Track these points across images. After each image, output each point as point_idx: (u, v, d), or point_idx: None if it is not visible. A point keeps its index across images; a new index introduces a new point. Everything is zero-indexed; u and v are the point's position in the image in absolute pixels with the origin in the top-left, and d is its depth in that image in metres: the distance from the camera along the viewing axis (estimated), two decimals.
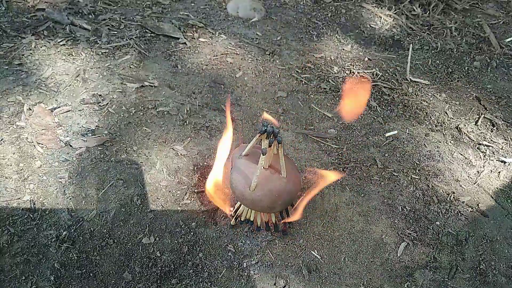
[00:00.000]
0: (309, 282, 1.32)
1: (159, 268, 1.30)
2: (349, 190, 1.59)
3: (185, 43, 2.14)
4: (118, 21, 2.19)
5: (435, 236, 1.47)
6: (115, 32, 2.12)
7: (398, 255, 1.42)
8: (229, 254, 1.34)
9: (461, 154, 1.76)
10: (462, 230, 1.50)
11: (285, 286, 1.29)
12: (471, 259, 1.42)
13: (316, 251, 1.40)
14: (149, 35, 2.14)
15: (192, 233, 1.39)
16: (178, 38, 2.14)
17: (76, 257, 1.27)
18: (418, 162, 1.72)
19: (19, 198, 1.37)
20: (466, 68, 2.26)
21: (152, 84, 1.86)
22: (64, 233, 1.31)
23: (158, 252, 1.34)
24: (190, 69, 1.99)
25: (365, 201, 1.56)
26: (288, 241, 1.41)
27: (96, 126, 1.63)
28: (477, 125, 1.89)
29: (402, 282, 1.35)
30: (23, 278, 1.21)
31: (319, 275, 1.34)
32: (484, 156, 1.76)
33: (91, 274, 1.25)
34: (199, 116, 1.78)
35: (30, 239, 1.28)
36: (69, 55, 1.91)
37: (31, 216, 1.34)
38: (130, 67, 1.91)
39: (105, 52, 1.97)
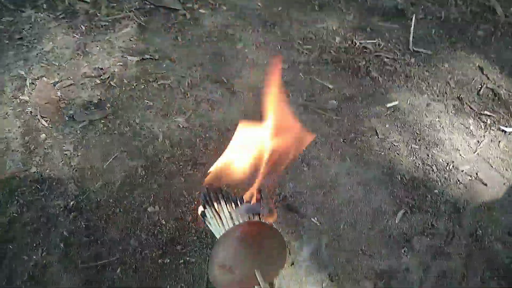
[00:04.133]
0: (309, 247, 1.36)
1: (164, 235, 1.34)
2: (350, 160, 1.61)
3: (185, 14, 2.13)
4: None
5: (433, 204, 1.50)
6: (114, 5, 2.10)
7: (396, 222, 1.46)
8: None
9: (462, 124, 1.77)
10: (460, 198, 1.53)
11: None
12: (468, 226, 1.46)
13: (316, 218, 1.44)
14: (148, 7, 2.13)
15: (195, 202, 1.43)
16: (178, 10, 2.12)
17: (84, 226, 1.31)
18: (418, 132, 1.73)
19: (26, 170, 1.41)
20: (470, 37, 2.24)
21: (152, 57, 1.87)
22: (71, 203, 1.35)
23: (163, 220, 1.38)
24: (190, 41, 1.99)
25: (365, 171, 1.59)
26: (289, 210, 1.44)
27: (99, 99, 1.65)
28: (479, 95, 1.90)
29: (399, 247, 1.39)
30: (34, 245, 1.26)
31: (319, 241, 1.38)
32: (485, 126, 1.77)
33: (98, 241, 1.29)
34: (200, 89, 1.79)
35: (39, 209, 1.33)
36: (69, 28, 1.91)
37: (39, 187, 1.38)
38: (130, 40, 1.92)
39: (104, 25, 1.97)
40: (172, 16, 2.10)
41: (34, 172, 1.41)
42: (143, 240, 1.33)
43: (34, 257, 1.24)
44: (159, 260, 1.30)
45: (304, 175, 1.56)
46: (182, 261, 1.30)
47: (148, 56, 1.85)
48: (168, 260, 1.30)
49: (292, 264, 1.33)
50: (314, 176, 1.55)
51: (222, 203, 1.25)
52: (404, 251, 1.39)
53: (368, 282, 1.31)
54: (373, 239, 1.40)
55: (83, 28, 1.91)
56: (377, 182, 1.55)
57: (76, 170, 1.43)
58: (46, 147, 1.48)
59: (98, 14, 2.00)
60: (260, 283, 1.15)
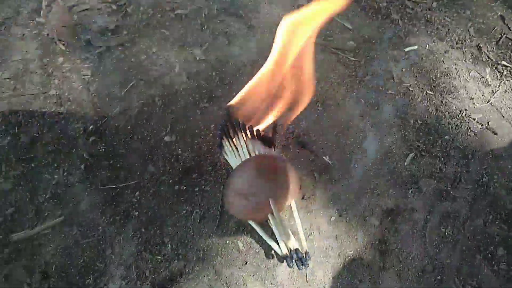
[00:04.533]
0: (320, 183, 1.41)
1: (181, 164, 1.38)
2: (364, 102, 1.62)
3: None
4: None
5: (443, 149, 1.54)
6: None
7: (406, 164, 1.50)
8: None
9: (478, 73, 1.76)
10: (470, 145, 1.56)
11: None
12: (475, 172, 1.50)
13: (328, 157, 1.48)
14: None
15: (211, 135, 1.46)
16: None
17: (103, 149, 1.34)
18: (434, 79, 1.73)
19: (45, 92, 1.42)
20: None
21: None
22: (91, 127, 1.38)
23: (179, 149, 1.41)
24: None
25: (379, 113, 1.60)
26: (302, 147, 1.47)
27: (115, 25, 1.63)
28: (498, 45, 1.87)
29: (407, 188, 1.44)
30: (55, 165, 1.30)
31: (330, 178, 1.43)
32: (501, 76, 1.76)
33: (118, 165, 1.33)
34: (217, 22, 1.76)
35: (59, 131, 1.35)
36: None
37: (58, 110, 1.39)
38: None
39: None
40: None
41: (53, 94, 1.42)
42: (160, 167, 1.37)
43: (56, 176, 1.28)
44: (175, 187, 1.34)
45: (318, 114, 1.57)
46: (197, 189, 1.35)
47: None
48: (184, 187, 1.35)
49: (303, 198, 1.38)
50: (328, 116, 1.57)
51: (239, 134, 1.28)
52: (411, 192, 1.44)
53: (375, 219, 1.37)
54: (382, 179, 1.45)
55: None
56: (390, 125, 1.57)
57: (94, 95, 1.44)
58: (64, 71, 1.48)
59: None
60: (273, 211, 1.20)
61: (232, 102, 1.34)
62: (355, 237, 1.33)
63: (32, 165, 1.28)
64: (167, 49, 1.62)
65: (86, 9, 1.65)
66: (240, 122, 1.29)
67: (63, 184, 1.27)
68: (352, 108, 1.61)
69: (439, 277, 1.28)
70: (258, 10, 1.84)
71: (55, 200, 1.24)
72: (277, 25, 1.77)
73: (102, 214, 1.25)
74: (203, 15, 1.75)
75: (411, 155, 1.51)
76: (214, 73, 1.61)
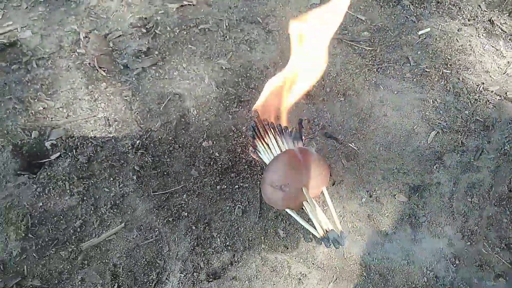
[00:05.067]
0: (348, 169, 1.53)
1: (219, 165, 1.53)
2: (383, 88, 1.72)
3: None
4: None
5: (463, 124, 1.61)
6: None
7: (428, 142, 1.59)
8: None
9: (493, 46, 1.82)
10: (490, 116, 1.63)
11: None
12: (496, 142, 1.57)
13: (353, 143, 1.59)
14: None
15: (243, 136, 1.60)
16: None
17: (151, 160, 1.51)
18: (449, 57, 1.80)
19: (94, 116, 1.60)
20: None
21: (190, 3, 1.97)
22: (137, 142, 1.55)
23: (216, 152, 1.56)
24: None
25: (398, 97, 1.70)
26: (328, 137, 1.59)
27: (147, 48, 1.80)
28: (510, 16, 1.91)
29: (432, 164, 1.53)
30: (111, 179, 1.48)
31: (357, 163, 1.54)
32: None
33: (165, 173, 1.50)
34: (238, 31, 1.90)
35: (111, 149, 1.53)
36: None
37: (107, 130, 1.57)
38: None
39: None
40: None
41: (101, 117, 1.60)
42: (201, 170, 1.52)
43: (113, 189, 1.46)
44: (217, 186, 1.49)
45: (340, 105, 1.68)
46: (237, 186, 1.50)
47: (186, 2, 1.95)
48: (225, 186, 1.50)
49: (334, 184, 1.50)
50: (350, 105, 1.68)
51: (269, 133, 1.42)
52: (436, 167, 1.53)
53: (403, 195, 1.47)
54: (407, 158, 1.55)
55: None
56: (410, 107, 1.67)
57: (137, 113, 1.62)
58: (108, 94, 1.66)
59: None
60: (307, 198, 1.33)
61: (258, 104, 1.48)
62: (386, 214, 1.43)
63: (92, 181, 1.46)
64: (196, 63, 1.77)
65: (120, 36, 1.83)
66: (269, 122, 1.42)
67: (120, 195, 1.45)
68: (372, 95, 1.71)
69: (468, 243, 1.37)
70: (274, 14, 1.96)
71: (115, 210, 1.42)
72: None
73: (157, 217, 1.41)
74: (224, 26, 1.89)
75: (433, 133, 1.60)
76: (240, 79, 1.75)
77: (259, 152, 1.45)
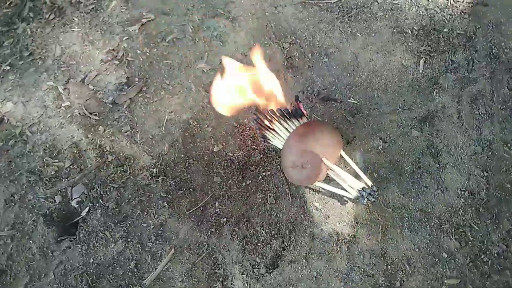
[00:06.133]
0: (356, 123, 1.57)
1: (237, 164, 1.57)
2: (360, 35, 1.74)
3: None
4: None
5: (446, 42, 1.65)
6: None
7: (421, 71, 1.62)
8: None
9: None
10: (469, 26, 1.66)
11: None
12: (483, 48, 1.61)
13: (352, 98, 1.63)
14: None
15: (248, 128, 1.64)
16: None
17: (173, 183, 1.56)
18: None
19: (104, 161, 1.63)
20: None
21: (149, 19, 1.96)
22: (154, 171, 1.59)
23: (229, 153, 1.60)
24: None
25: (377, 38, 1.72)
26: (326, 101, 1.63)
27: (126, 77, 1.81)
28: None
29: (431, 91, 1.57)
30: (145, 213, 1.52)
31: (362, 115, 1.58)
32: None
33: (190, 189, 1.55)
34: (204, 29, 1.90)
35: (133, 186, 1.57)
36: (64, 26, 2.00)
37: (122, 169, 1.61)
38: (122, 11, 1.99)
39: (92, 8, 2.04)
40: None
41: (111, 159, 1.63)
42: (222, 174, 1.57)
43: (150, 221, 1.51)
44: (243, 184, 1.54)
45: (326, 65, 1.71)
46: (260, 177, 1.55)
47: (145, 20, 1.95)
48: (249, 181, 1.55)
49: (348, 143, 1.55)
50: (336, 62, 1.71)
51: (272, 120, 1.46)
52: (436, 92, 1.58)
53: (415, 130, 1.52)
54: (406, 94, 1.59)
55: (76, 19, 2.00)
56: (391, 44, 1.69)
57: (143, 143, 1.65)
58: (108, 136, 1.68)
59: (81, 0, 2.07)
60: (330, 167, 1.38)
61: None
62: (406, 153, 1.49)
63: (128, 222, 1.51)
64: (177, 75, 1.79)
65: (96, 75, 1.84)
66: (268, 110, 1.46)
67: (158, 225, 1.50)
68: (352, 45, 1.73)
69: (490, 153, 1.43)
70: (232, 1, 1.96)
71: (160, 240, 1.48)
72: (254, 6, 1.89)
73: (200, 233, 1.47)
74: (190, 30, 1.89)
75: (421, 61, 1.64)
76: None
77: (270, 140, 1.49)
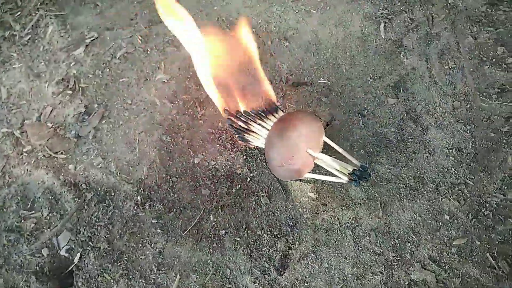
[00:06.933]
0: (331, 103, 1.54)
1: (221, 171, 1.52)
2: (315, 11, 1.69)
3: None
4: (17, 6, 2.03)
5: (402, 2, 1.63)
6: (19, 12, 1.98)
7: (383, 36, 1.60)
8: None
9: None
10: None
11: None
12: (439, 0, 1.59)
13: (322, 78, 1.59)
14: None
15: (225, 131, 1.58)
16: None
17: (161, 206, 1.49)
18: None
19: (84, 201, 1.55)
20: None
21: (92, 37, 1.84)
22: (138, 198, 1.51)
23: (212, 161, 1.54)
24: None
25: (333, 11, 1.67)
26: (297, 86, 1.58)
27: (84, 105, 1.70)
28: None
29: (397, 55, 1.55)
30: (140, 245, 1.46)
31: (335, 93, 1.55)
32: None
33: (181, 208, 1.49)
34: (154, 37, 1.80)
35: (120, 219, 1.50)
36: (4, 63, 1.85)
37: (105, 204, 1.53)
38: (61, 36, 1.86)
39: (29, 38, 1.89)
40: None
41: (91, 196, 1.54)
42: (209, 185, 1.51)
43: (147, 252, 1.45)
44: (233, 190, 1.50)
45: (288, 49, 1.66)
46: (249, 179, 1.50)
47: (88, 40, 1.82)
48: (239, 186, 1.50)
49: (328, 125, 1.52)
50: (297, 44, 1.65)
51: (248, 122, 1.40)
52: (403, 55, 1.56)
53: (391, 97, 1.51)
54: (374, 62, 1.56)
55: (15, 54, 1.85)
56: (348, 14, 1.65)
57: (119, 172, 1.56)
58: (81, 173, 1.59)
59: (15, 32, 1.91)
60: (316, 157, 1.35)
61: (219, 105, 1.46)
62: (387, 122, 1.47)
63: (125, 258, 1.45)
64: (138, 92, 1.69)
65: (51, 111, 1.72)
66: (241, 113, 1.40)
67: (157, 253, 1.44)
68: (309, 23, 1.68)
69: (468, 106, 1.43)
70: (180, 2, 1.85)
71: (163, 269, 1.42)
72: (200, 1, 1.80)
73: (202, 251, 1.42)
74: (138, 41, 1.78)
75: (381, 26, 1.61)
76: (186, 82, 1.69)
77: (250, 141, 1.44)
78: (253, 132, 1.42)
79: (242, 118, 1.40)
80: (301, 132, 1.37)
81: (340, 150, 1.39)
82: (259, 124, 1.41)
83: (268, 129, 1.39)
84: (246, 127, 1.41)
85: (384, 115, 1.49)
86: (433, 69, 1.51)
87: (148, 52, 1.76)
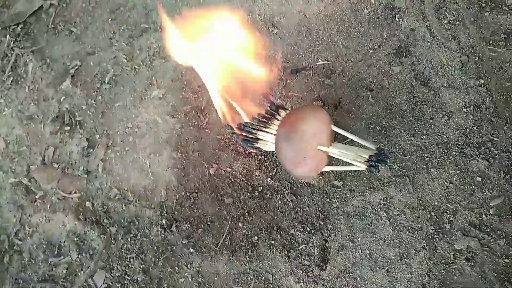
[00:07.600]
0: (335, 84, 1.48)
1: (240, 176, 1.49)
2: None
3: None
4: None
5: None
6: None
7: (373, 2, 1.53)
8: None
9: None
10: None
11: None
12: None
13: (319, 59, 1.53)
14: (19, 28, 1.90)
15: (231, 138, 1.53)
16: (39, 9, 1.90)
17: (188, 225, 1.47)
18: None
19: (110, 235, 1.52)
20: None
21: (75, 66, 1.77)
22: (163, 222, 1.49)
23: (227, 168, 1.51)
24: (91, 14, 1.84)
25: None
26: (296, 73, 1.53)
27: (86, 139, 1.65)
28: None
29: (392, 18, 1.50)
30: (176, 268, 1.44)
31: (337, 72, 1.49)
32: None
33: (208, 223, 1.46)
34: (138, 52, 1.73)
35: (151, 247, 1.48)
36: None
37: (131, 235, 1.50)
38: (43, 71, 1.78)
39: (11, 81, 1.81)
40: (44, 17, 1.89)
41: (116, 230, 1.52)
42: (231, 193, 1.48)
43: (186, 274, 1.43)
44: (255, 193, 1.47)
45: (279, 36, 1.59)
46: (269, 178, 1.47)
47: (72, 70, 1.75)
48: (261, 188, 1.47)
49: (336, 107, 1.47)
50: (287, 29, 1.59)
51: (253, 131, 1.36)
52: (398, 17, 1.49)
53: (395, 65, 1.46)
54: (371, 32, 1.50)
55: (2, 101, 1.78)
56: None
57: (138, 201, 1.53)
58: (100, 208, 1.55)
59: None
60: (328, 151, 1.30)
61: (222, 118, 1.43)
62: (398, 92, 1.43)
63: (165, 285, 1.43)
64: (136, 113, 1.64)
65: (54, 151, 1.67)
66: (244, 124, 1.36)
67: (195, 273, 1.42)
68: (294, 3, 1.60)
69: (476, 58, 1.38)
70: (151, 9, 1.77)
71: (204, 287, 1.41)
72: (176, 5, 1.72)
73: (239, 261, 1.41)
74: (123, 59, 1.71)
75: None
76: (183, 92, 1.63)
77: (260, 148, 1.40)
78: (260, 139, 1.38)
79: (246, 129, 1.36)
80: (307, 131, 1.30)
81: (352, 137, 1.33)
82: (264, 130, 1.36)
83: (274, 134, 1.34)
84: (252, 136, 1.37)
85: (392, 86, 1.43)
86: (432, 26, 1.44)
87: (137, 70, 1.69)
